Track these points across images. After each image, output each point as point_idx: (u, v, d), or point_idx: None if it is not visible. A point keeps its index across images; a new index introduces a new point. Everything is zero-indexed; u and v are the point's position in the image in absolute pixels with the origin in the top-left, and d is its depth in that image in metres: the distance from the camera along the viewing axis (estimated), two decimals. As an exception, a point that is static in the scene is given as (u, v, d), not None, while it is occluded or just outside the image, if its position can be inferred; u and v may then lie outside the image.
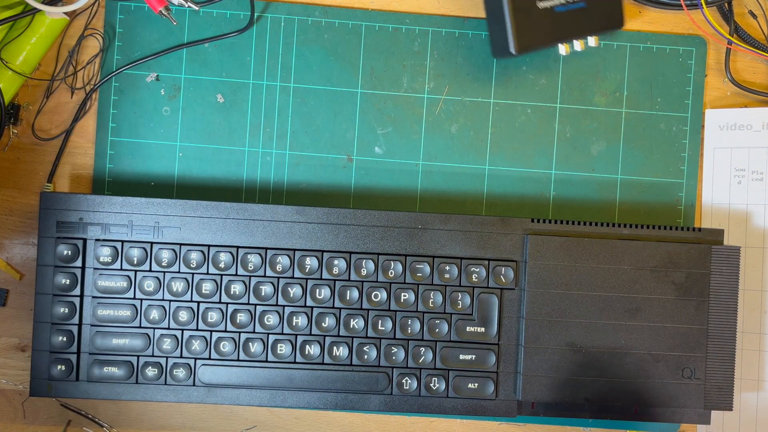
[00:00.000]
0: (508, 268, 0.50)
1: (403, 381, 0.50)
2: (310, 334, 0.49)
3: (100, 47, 0.53)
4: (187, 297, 0.49)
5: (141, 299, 0.49)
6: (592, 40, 0.53)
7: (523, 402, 0.50)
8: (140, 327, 0.49)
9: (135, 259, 0.49)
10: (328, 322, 0.49)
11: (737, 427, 0.54)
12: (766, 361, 0.54)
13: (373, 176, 0.54)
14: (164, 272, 0.49)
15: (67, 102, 0.53)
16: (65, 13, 0.51)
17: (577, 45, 0.53)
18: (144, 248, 0.49)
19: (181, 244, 0.49)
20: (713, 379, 0.50)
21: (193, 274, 0.49)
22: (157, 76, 0.53)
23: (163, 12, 0.50)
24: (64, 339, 0.48)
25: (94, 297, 0.49)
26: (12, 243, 0.53)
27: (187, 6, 0.51)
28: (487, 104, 0.55)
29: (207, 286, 0.49)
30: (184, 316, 0.49)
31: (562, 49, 0.52)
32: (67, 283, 0.48)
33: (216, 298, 0.49)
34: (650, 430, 0.54)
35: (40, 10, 0.49)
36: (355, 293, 0.50)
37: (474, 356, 0.50)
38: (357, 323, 0.49)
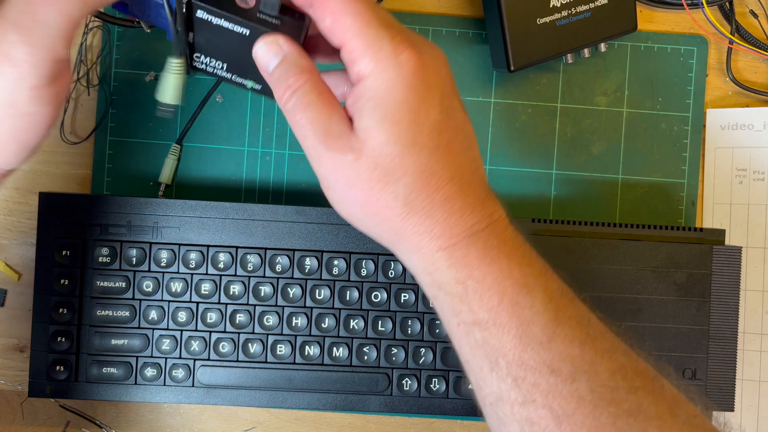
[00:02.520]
0: (509, 269, 0.50)
1: (403, 382, 0.49)
2: (310, 335, 0.49)
3: (104, 43, 0.53)
4: (186, 297, 0.49)
5: (140, 300, 0.49)
6: (602, 46, 0.52)
7: (524, 403, 0.50)
8: (139, 327, 0.49)
9: (134, 259, 0.48)
10: (328, 322, 0.49)
11: (738, 428, 0.54)
12: (767, 361, 0.54)
13: (373, 176, 0.54)
14: (163, 272, 0.49)
15: (84, 100, 0.53)
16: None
17: (585, 52, 0.52)
18: (143, 248, 0.48)
19: (180, 245, 0.49)
20: (714, 380, 0.50)
21: (192, 274, 0.49)
22: (156, 75, 0.53)
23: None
24: (63, 339, 0.48)
25: (92, 297, 0.48)
26: (10, 243, 0.52)
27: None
28: (487, 104, 0.55)
29: (206, 287, 0.49)
30: (183, 316, 0.49)
31: (568, 58, 0.52)
32: (66, 283, 0.48)
33: (215, 299, 0.49)
34: (651, 431, 0.54)
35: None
36: (355, 293, 0.49)
37: (474, 357, 0.50)
38: (357, 324, 0.49)
